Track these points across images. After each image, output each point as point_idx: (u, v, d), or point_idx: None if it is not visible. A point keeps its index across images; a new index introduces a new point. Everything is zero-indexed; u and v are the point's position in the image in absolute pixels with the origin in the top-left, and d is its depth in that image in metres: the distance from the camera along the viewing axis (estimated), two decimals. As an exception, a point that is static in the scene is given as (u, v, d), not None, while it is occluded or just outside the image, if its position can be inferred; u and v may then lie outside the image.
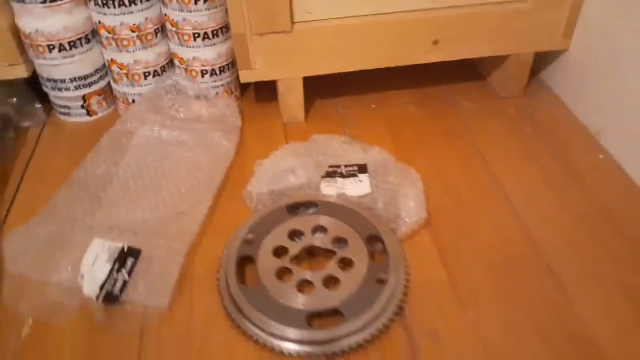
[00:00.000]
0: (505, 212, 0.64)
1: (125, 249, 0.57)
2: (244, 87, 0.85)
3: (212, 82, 0.79)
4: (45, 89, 0.79)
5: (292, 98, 0.79)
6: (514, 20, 0.75)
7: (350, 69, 0.77)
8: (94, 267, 0.55)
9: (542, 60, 0.85)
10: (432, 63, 0.78)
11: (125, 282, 0.55)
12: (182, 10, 0.72)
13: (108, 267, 0.55)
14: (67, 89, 0.77)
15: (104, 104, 0.81)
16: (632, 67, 0.68)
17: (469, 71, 0.89)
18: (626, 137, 0.69)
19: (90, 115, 0.81)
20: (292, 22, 0.71)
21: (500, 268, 0.58)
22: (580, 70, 0.78)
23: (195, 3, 0.71)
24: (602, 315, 0.53)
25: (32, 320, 0.53)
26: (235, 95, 0.83)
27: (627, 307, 0.54)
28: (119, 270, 0.55)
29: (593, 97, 0.76)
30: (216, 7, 0.73)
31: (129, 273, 0.56)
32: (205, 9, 0.72)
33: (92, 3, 0.71)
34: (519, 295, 0.55)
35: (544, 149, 0.74)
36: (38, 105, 0.80)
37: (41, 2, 0.69)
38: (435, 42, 0.75)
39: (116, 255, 0.56)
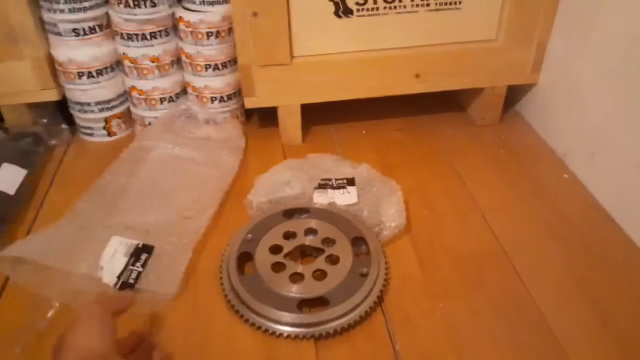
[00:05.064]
0: (475, 220, 0.72)
1: (140, 246, 0.65)
2: (249, 114, 0.95)
3: (220, 108, 0.89)
4: (72, 112, 0.88)
5: (290, 123, 0.88)
6: (487, 57, 0.85)
7: (343, 98, 0.86)
8: (112, 260, 0.63)
9: (516, 93, 0.95)
10: (419, 96, 0.87)
11: (139, 273, 0.63)
12: (196, 45, 0.83)
13: (125, 260, 0.63)
14: (92, 112, 0.87)
15: (123, 126, 0.91)
16: (588, 98, 0.77)
17: (451, 104, 0.99)
18: (587, 159, 0.78)
19: (110, 136, 0.90)
20: (292, 56, 0.81)
21: (468, 266, 0.65)
22: (548, 101, 0.88)
23: (208, 38, 0.82)
24: (551, 296, 0.61)
25: (58, 304, 0.60)
26: (241, 120, 0.93)
27: (572, 288, 0.61)
28: (134, 264, 0.63)
29: (559, 124, 0.85)
30: (226, 42, 0.83)
31: (143, 266, 0.63)
32: (217, 44, 0.83)
33: (118, 37, 0.82)
34: (483, 288, 0.63)
35: (514, 168, 0.82)
36: (65, 126, 0.89)
37: (75, 35, 0.80)
38: (417, 76, 0.85)
39: (132, 250, 0.64)
